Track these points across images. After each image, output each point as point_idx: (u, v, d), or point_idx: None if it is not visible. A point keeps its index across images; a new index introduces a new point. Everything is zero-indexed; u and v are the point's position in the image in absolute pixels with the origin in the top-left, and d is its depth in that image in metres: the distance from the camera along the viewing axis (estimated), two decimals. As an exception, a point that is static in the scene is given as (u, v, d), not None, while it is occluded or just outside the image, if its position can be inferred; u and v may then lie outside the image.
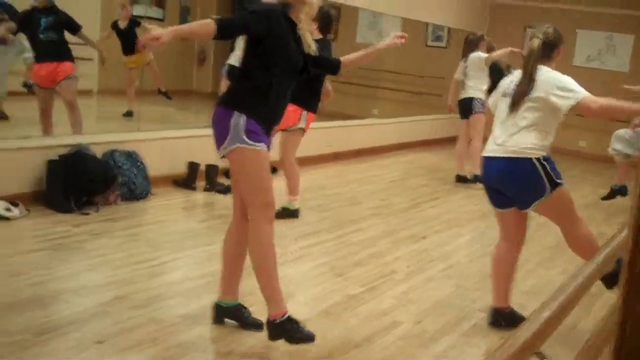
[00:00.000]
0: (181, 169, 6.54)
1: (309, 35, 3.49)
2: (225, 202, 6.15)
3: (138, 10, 9.60)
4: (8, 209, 4.96)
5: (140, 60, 8.53)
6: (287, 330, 3.31)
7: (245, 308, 3.57)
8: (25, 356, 3.01)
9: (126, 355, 3.12)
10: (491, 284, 4.00)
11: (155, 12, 10.34)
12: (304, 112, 5.63)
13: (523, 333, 1.65)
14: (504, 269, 3.93)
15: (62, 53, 6.23)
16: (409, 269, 4.86)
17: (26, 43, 6.78)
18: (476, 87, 8.00)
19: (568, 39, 12.36)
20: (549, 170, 3.63)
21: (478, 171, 8.22)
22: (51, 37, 6.10)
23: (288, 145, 5.74)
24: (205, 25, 3.05)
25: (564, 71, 3.71)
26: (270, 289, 3.34)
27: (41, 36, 6.07)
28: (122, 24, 8.42)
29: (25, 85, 7.06)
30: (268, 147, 3.39)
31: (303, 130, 5.75)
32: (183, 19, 11.22)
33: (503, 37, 9.70)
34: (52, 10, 6.16)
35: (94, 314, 3.52)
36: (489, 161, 3.75)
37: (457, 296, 4.40)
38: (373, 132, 10.17)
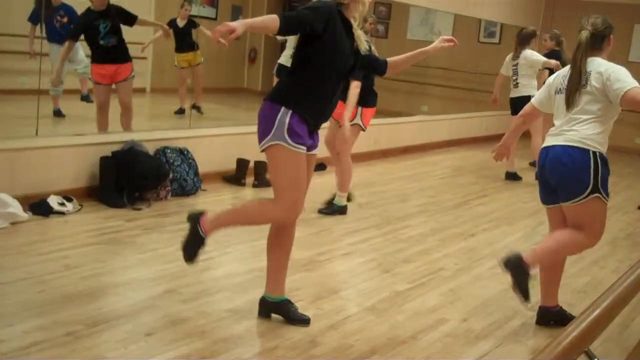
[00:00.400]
0: (231, 165, 6.61)
1: (363, 34, 3.49)
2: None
3: (192, 10, 9.74)
4: (62, 204, 5.09)
5: (192, 60, 8.67)
6: (194, 242, 3.50)
7: (292, 303, 3.60)
8: (78, 347, 3.09)
9: (174, 347, 3.17)
10: (539, 283, 3.94)
11: (207, 11, 10.47)
12: (360, 108, 5.66)
13: (572, 332, 1.62)
14: (553, 265, 3.86)
15: (121, 55, 6.36)
16: (456, 266, 4.82)
17: (82, 54, 6.96)
18: (530, 84, 7.86)
19: (625, 33, 12.13)
20: (599, 172, 3.53)
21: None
22: (112, 42, 6.24)
23: (345, 140, 5.75)
24: (272, 19, 3.10)
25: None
26: (230, 220, 3.59)
27: (102, 42, 6.21)
28: (181, 23, 8.59)
29: (82, 98, 7.27)
30: (312, 148, 3.43)
31: (360, 127, 5.77)
32: (235, 18, 11.33)
33: (551, 30, 9.50)
34: (108, 12, 6.26)
35: (144, 307, 3.59)
36: (546, 150, 3.69)
37: (505, 295, 4.33)
38: (422, 129, 10.10)
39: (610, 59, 3.71)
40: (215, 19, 10.39)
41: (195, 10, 9.60)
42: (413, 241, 5.33)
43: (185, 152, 6.11)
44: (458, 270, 4.73)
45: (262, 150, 3.38)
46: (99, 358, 3.03)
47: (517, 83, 7.99)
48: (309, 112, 3.31)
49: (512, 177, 8.27)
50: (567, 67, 3.73)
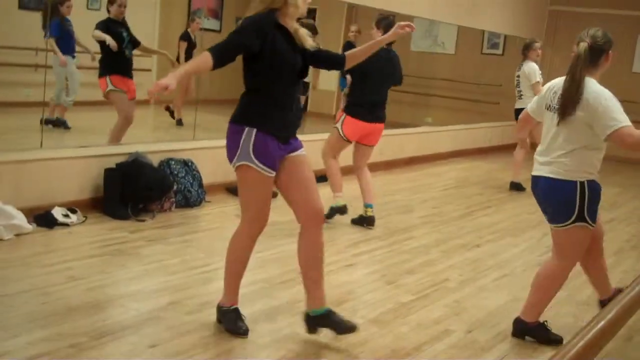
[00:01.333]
0: (234, 176, 6.59)
1: (303, 32, 3.45)
2: (277, 210, 6.19)
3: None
4: (66, 215, 5.11)
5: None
6: (228, 319, 3.51)
7: (334, 313, 3.50)
8: (83, 359, 3.09)
9: (179, 359, 3.17)
10: (529, 293, 3.89)
11: (211, 23, 10.50)
12: (344, 115, 5.73)
13: (577, 343, 1.62)
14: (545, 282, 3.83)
15: (131, 70, 6.46)
16: (461, 277, 4.81)
17: (77, 83, 7.01)
18: (532, 96, 7.89)
19: (628, 44, 12.15)
20: (585, 201, 3.49)
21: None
22: (131, 52, 6.36)
23: (327, 142, 5.89)
24: (203, 59, 3.14)
25: (622, 77, 3.60)
26: (231, 282, 3.57)
27: (126, 52, 6.30)
28: (193, 36, 8.71)
29: (56, 121, 7.27)
30: (292, 151, 3.43)
31: (338, 132, 5.79)
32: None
33: (562, 44, 9.57)
34: (125, 23, 6.34)
35: (148, 319, 3.59)
36: (535, 179, 3.69)
37: (510, 306, 4.33)
38: (426, 140, 10.11)
39: (614, 70, 3.64)
40: (219, 31, 10.42)
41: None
42: (417, 252, 5.32)
43: (190, 164, 6.12)
44: (462, 282, 4.72)
45: (233, 167, 3.44)
46: (103, 370, 3.03)
47: (521, 95, 8.04)
48: (272, 126, 3.33)
49: (516, 187, 8.27)
50: (558, 81, 3.60)
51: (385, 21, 5.81)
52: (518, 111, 8.10)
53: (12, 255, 4.40)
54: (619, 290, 3.68)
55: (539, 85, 7.77)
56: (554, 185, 3.54)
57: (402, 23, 3.65)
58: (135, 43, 6.47)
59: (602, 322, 1.77)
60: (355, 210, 6.02)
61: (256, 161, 3.31)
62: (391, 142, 9.16)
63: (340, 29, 8.36)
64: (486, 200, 7.70)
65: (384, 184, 8.00)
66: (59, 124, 7.33)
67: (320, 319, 3.46)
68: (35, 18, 7.16)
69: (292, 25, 3.41)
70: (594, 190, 3.53)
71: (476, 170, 9.84)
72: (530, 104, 3.93)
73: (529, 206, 7.56)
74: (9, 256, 4.37)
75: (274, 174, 3.39)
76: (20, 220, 4.74)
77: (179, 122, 8.57)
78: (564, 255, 3.70)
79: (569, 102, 3.44)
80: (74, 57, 7.27)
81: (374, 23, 5.92)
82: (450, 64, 12.07)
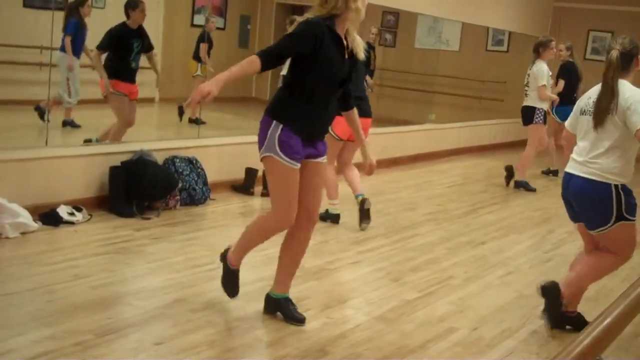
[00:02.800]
0: (239, 174, 6.62)
1: (359, 41, 3.50)
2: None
3: (199, 20, 9.80)
4: (72, 214, 5.11)
5: (206, 70, 8.82)
6: (227, 277, 3.77)
7: (292, 302, 3.71)
8: (88, 356, 3.09)
9: (184, 357, 3.17)
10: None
11: (216, 21, 10.52)
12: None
13: (583, 340, 1.62)
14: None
15: (135, 76, 6.47)
16: (466, 274, 4.81)
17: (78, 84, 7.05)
18: (536, 96, 7.89)
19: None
20: (622, 203, 3.60)
21: (523, 177, 8.16)
22: (138, 63, 6.38)
23: None
24: (250, 65, 3.21)
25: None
26: (242, 247, 3.72)
27: (133, 64, 6.33)
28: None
29: (65, 123, 7.31)
30: (315, 156, 3.53)
31: (331, 134, 5.77)
32: (243, 27, 11.36)
33: (566, 41, 9.51)
34: (141, 32, 6.35)
35: (153, 316, 3.59)
36: (569, 177, 3.75)
37: (516, 303, 4.33)
38: (430, 137, 10.10)
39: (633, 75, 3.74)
40: (223, 28, 10.43)
41: (203, 20, 9.65)
42: (422, 250, 5.32)
43: (194, 162, 6.12)
44: (467, 279, 4.72)
45: (261, 160, 3.52)
46: (109, 367, 3.04)
47: (527, 94, 8.04)
48: (300, 126, 3.39)
49: (522, 185, 8.23)
50: (595, 88, 3.74)
51: None
52: (523, 109, 8.10)
53: (18, 253, 4.40)
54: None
55: (544, 89, 7.75)
56: (588, 186, 3.64)
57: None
58: (148, 49, 6.50)
59: (609, 319, 1.76)
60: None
61: (281, 153, 3.38)
62: (395, 139, 9.16)
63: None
64: (490, 197, 7.69)
65: (387, 181, 7.99)
66: (66, 124, 7.40)
67: (278, 302, 3.68)
68: (40, 16, 7.15)
69: (352, 32, 3.46)
70: (628, 193, 3.65)
71: (480, 168, 9.83)
72: (567, 121, 3.98)
73: (533, 203, 7.58)
74: (15, 254, 4.38)
75: (298, 166, 3.44)
76: (26, 218, 4.75)
77: (198, 121, 8.62)
78: (618, 251, 3.79)
79: (604, 105, 3.60)
80: (78, 57, 7.28)
81: None
82: (455, 61, 12.04)
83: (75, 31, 7.03)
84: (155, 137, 6.55)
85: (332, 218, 5.83)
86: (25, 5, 7.77)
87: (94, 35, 7.57)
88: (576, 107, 3.87)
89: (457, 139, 10.70)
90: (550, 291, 3.82)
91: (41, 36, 6.93)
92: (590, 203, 3.67)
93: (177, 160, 5.99)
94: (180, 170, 5.94)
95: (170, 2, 9.65)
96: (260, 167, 6.43)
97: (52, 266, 4.20)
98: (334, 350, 3.39)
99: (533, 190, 8.14)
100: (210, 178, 6.21)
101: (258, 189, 6.60)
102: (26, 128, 6.62)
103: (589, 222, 3.73)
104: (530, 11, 12.14)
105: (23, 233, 4.70)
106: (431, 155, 9.88)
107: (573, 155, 3.78)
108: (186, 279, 4.18)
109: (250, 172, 6.59)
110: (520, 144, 12.03)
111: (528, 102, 8.01)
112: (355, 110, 3.78)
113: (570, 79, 8.66)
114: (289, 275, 3.72)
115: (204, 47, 8.83)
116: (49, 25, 5.68)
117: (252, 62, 3.21)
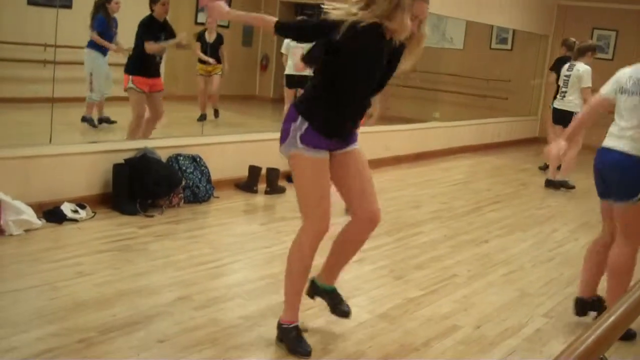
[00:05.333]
0: (243, 172, 6.62)
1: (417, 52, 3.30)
2: (285, 205, 6.21)
3: (202, 18, 9.81)
4: (75, 211, 5.12)
5: (212, 70, 8.83)
6: (290, 338, 3.33)
7: (339, 294, 3.58)
8: (91, 354, 3.10)
9: (186, 355, 3.17)
10: (582, 273, 4.07)
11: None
12: None
13: (587, 339, 1.60)
14: (600, 260, 3.95)
15: (159, 69, 6.48)
16: (469, 273, 4.80)
17: (99, 83, 7.09)
18: (576, 101, 7.88)
19: (637, 38, 12.02)
20: None
21: (568, 178, 8.13)
22: (162, 58, 6.38)
23: None
24: (266, 20, 3.18)
25: None
26: (291, 294, 3.36)
27: (157, 58, 6.31)
28: (210, 37, 8.83)
29: (84, 119, 7.37)
30: (344, 146, 3.28)
31: None
32: (246, 26, 11.36)
33: (568, 38, 9.50)
34: (166, 25, 6.34)
35: (156, 314, 3.60)
36: (606, 150, 3.76)
37: (519, 301, 4.32)
38: (434, 135, 10.09)
39: (622, 63, 3.73)
40: (227, 26, 10.43)
41: (204, 18, 9.66)
42: (425, 248, 5.31)
43: (198, 160, 6.13)
44: (471, 277, 4.71)
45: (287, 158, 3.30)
46: (112, 365, 3.04)
47: (564, 95, 8.00)
48: (324, 128, 3.18)
49: (554, 185, 8.20)
50: (636, 67, 3.73)
51: None
52: (557, 111, 8.07)
53: (22, 250, 4.41)
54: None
55: (589, 91, 7.68)
56: (625, 160, 3.64)
57: None
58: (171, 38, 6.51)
59: (613, 317, 1.75)
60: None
61: (302, 147, 3.16)
62: (399, 137, 9.15)
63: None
64: (494, 195, 7.68)
65: (391, 179, 7.99)
66: (99, 122, 7.49)
67: (325, 292, 3.55)
68: (44, 14, 7.17)
69: (401, 35, 3.16)
70: None
71: (484, 166, 9.82)
72: (604, 89, 3.91)
73: (537, 201, 7.56)
74: (18, 251, 4.39)
75: (327, 155, 3.22)
76: (30, 215, 4.76)
77: (203, 117, 8.66)
78: (630, 234, 3.77)
79: None
80: (105, 54, 7.33)
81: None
82: (459, 59, 12.04)
83: (103, 28, 7.08)
84: (159, 134, 6.55)
85: None
86: (29, 2, 7.79)
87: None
88: (616, 83, 3.81)
89: (461, 137, 10.69)
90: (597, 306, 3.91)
91: (45, 34, 6.94)
92: (624, 176, 3.67)
93: (181, 158, 6.00)
94: (184, 168, 5.94)
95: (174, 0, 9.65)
96: (265, 164, 6.48)
97: (55, 263, 4.20)
98: (337, 348, 3.39)
99: (572, 187, 8.09)
100: (214, 176, 6.21)
101: (262, 186, 6.60)
102: (30, 125, 6.63)
103: (618, 193, 3.71)
104: (534, 9, 12.11)
105: (27, 230, 4.71)
106: (435, 153, 9.87)
107: (611, 130, 3.77)
108: (189, 277, 4.18)
109: (254, 170, 6.59)
110: (525, 142, 12.05)
111: (568, 106, 7.93)
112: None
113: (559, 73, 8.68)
114: (339, 266, 3.51)
115: (196, 46, 8.86)
116: (53, 22, 5.67)
117: (268, 21, 3.15)
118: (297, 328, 3.36)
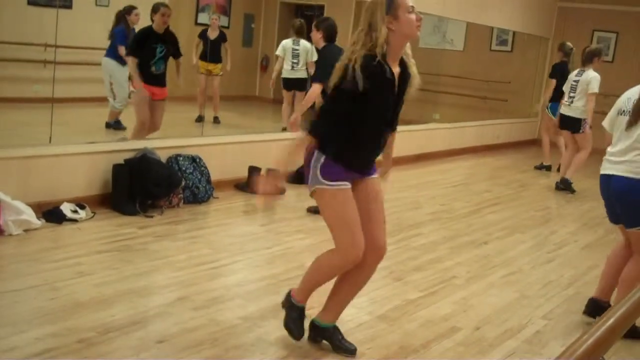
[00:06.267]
0: (243, 173, 6.62)
1: (414, 71, 3.26)
2: (286, 207, 6.20)
3: (203, 18, 9.81)
4: (75, 211, 5.12)
5: (212, 70, 8.85)
6: (291, 315, 3.39)
7: (339, 331, 3.44)
8: (91, 354, 3.09)
9: (186, 355, 3.17)
10: (600, 275, 4.12)
11: (220, 19, 10.53)
12: None
13: (586, 340, 1.61)
14: (618, 265, 3.98)
15: (163, 80, 6.47)
16: (469, 274, 4.80)
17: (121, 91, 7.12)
18: (583, 107, 7.90)
19: (637, 41, 12.02)
20: None
21: (574, 179, 8.14)
22: (161, 69, 6.37)
23: None
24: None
25: (633, 72, 3.69)
26: (310, 283, 3.35)
27: (153, 68, 6.30)
28: (213, 35, 8.81)
29: (108, 125, 7.43)
30: (364, 175, 3.26)
31: None
32: (247, 26, 11.37)
33: (571, 41, 9.51)
34: (166, 37, 6.33)
35: (156, 314, 3.60)
36: (609, 177, 3.78)
37: (518, 303, 4.32)
38: (434, 136, 10.09)
39: (624, 66, 3.76)
40: (227, 27, 10.43)
41: (207, 18, 9.66)
42: (425, 249, 5.31)
43: (198, 160, 6.13)
44: (470, 279, 4.71)
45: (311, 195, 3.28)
46: (111, 365, 3.04)
47: (572, 101, 8.01)
48: (343, 159, 3.15)
49: (566, 185, 8.16)
50: (635, 89, 3.78)
51: (326, 23, 5.73)
52: (563, 117, 8.09)
53: (21, 250, 4.41)
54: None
55: (594, 97, 7.73)
56: (630, 184, 3.65)
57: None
58: (174, 55, 6.52)
59: (612, 319, 1.75)
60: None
61: (324, 181, 3.13)
62: (399, 138, 9.07)
63: (349, 25, 8.34)
64: (494, 197, 7.68)
65: (392, 180, 7.97)
66: (112, 126, 7.52)
67: (327, 330, 3.41)
68: (44, 14, 7.17)
69: (408, 59, 3.20)
70: None
71: (484, 167, 9.83)
72: (605, 121, 4.00)
73: (536, 203, 7.56)
74: (18, 251, 4.39)
75: (349, 186, 3.17)
76: (29, 215, 4.76)
77: (200, 119, 8.66)
78: None
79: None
80: (123, 64, 7.35)
81: (313, 24, 5.80)
82: (459, 61, 12.04)
83: (123, 39, 7.12)
84: (158, 135, 6.55)
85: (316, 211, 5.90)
86: (29, 2, 7.79)
87: (97, 34, 7.60)
88: (614, 108, 3.89)
89: (461, 139, 10.69)
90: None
91: (45, 34, 6.95)
92: (632, 202, 3.69)
93: (181, 159, 6.00)
94: (184, 168, 5.94)
95: (174, 0, 9.65)
96: (264, 165, 6.46)
97: (55, 264, 4.20)
98: (334, 351, 3.38)
99: (573, 192, 8.05)
100: (214, 176, 6.22)
101: (261, 187, 6.59)
102: (29, 126, 6.63)
103: (628, 220, 3.76)
104: (534, 11, 12.12)
105: (26, 230, 4.71)
106: (435, 154, 9.88)
107: (609, 156, 3.79)
108: (189, 277, 4.19)
109: (254, 171, 6.59)
110: (524, 144, 12.06)
111: (576, 112, 7.97)
112: (394, 135, 3.54)
113: (560, 79, 8.70)
114: (342, 305, 3.43)
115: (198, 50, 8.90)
116: (54, 22, 5.67)
117: (305, 140, 3.09)
118: (302, 310, 3.39)
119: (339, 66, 3.06)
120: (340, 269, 3.27)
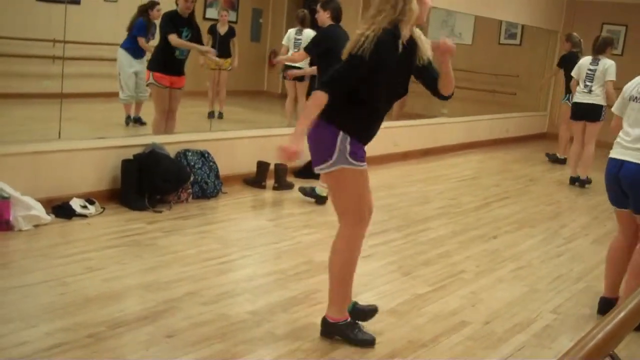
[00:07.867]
0: (251, 168, 6.63)
1: (424, 41, 3.33)
2: (294, 201, 6.21)
3: (211, 13, 9.80)
4: (84, 207, 5.13)
5: (221, 65, 8.84)
6: (347, 334, 3.37)
7: (357, 323, 3.50)
8: (100, 349, 3.11)
9: (195, 350, 3.18)
10: (604, 274, 4.13)
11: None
12: None
13: (596, 334, 1.60)
14: (618, 260, 3.99)
15: (182, 68, 6.47)
16: (478, 269, 4.79)
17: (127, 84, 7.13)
18: (602, 94, 7.86)
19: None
20: None
21: (590, 174, 8.09)
22: (184, 55, 6.36)
23: None
24: (318, 102, 3.08)
25: None
26: (339, 293, 3.39)
27: (177, 53, 6.28)
28: (222, 30, 8.83)
29: (129, 120, 7.44)
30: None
31: None
32: (255, 21, 11.36)
33: (580, 34, 9.45)
34: (191, 21, 6.32)
35: (165, 309, 3.60)
36: (620, 162, 3.77)
37: (528, 297, 4.31)
38: (442, 130, 10.06)
39: (635, 58, 3.77)
40: (235, 22, 10.42)
41: (214, 13, 9.66)
42: (433, 243, 5.30)
43: (206, 155, 6.13)
44: (479, 273, 4.70)
45: (322, 172, 3.32)
46: (121, 359, 3.05)
47: (592, 90, 7.95)
48: (364, 136, 3.30)
49: (580, 182, 8.15)
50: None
51: (333, 3, 5.77)
52: (584, 105, 8.02)
53: (31, 245, 4.43)
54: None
55: (612, 84, 7.69)
56: None
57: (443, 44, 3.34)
58: (197, 41, 6.50)
59: (623, 313, 1.74)
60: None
61: (353, 162, 3.23)
62: (407, 133, 9.14)
63: (356, 18, 8.31)
64: (503, 191, 7.66)
65: (399, 175, 7.98)
66: (133, 121, 7.54)
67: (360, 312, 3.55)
68: (52, 9, 7.18)
69: (409, 32, 3.25)
70: None
71: (493, 162, 9.80)
72: (615, 107, 4.00)
73: (545, 197, 7.54)
74: (28, 247, 4.41)
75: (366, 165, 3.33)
76: (39, 211, 4.77)
77: (212, 115, 8.67)
78: None
79: None
80: (140, 58, 7.35)
81: (319, 5, 5.86)
82: (467, 55, 11.98)
83: (141, 32, 7.14)
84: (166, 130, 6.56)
85: (319, 200, 6.07)
86: (38, -1, 7.81)
87: (106, 29, 7.61)
88: (623, 94, 3.88)
89: (469, 133, 10.66)
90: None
91: (54, 29, 6.96)
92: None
93: (189, 154, 6.00)
94: (192, 163, 5.95)
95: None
96: (273, 160, 6.47)
97: (65, 259, 4.22)
98: (345, 343, 3.38)
99: (590, 182, 8.07)
100: (222, 171, 6.22)
101: (270, 182, 6.60)
102: (39, 121, 6.65)
103: (638, 206, 3.75)
104: (543, 4, 12.06)
105: (36, 225, 4.73)
106: (444, 148, 9.85)
107: (621, 140, 3.79)
108: (198, 272, 4.19)
109: (262, 166, 6.59)
110: (533, 138, 12.02)
111: (595, 99, 7.93)
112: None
113: (568, 70, 8.67)
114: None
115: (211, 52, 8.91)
116: (62, 18, 5.69)
117: (320, 99, 3.08)
118: (349, 322, 3.40)
119: (357, 34, 3.15)
120: (356, 242, 3.37)
